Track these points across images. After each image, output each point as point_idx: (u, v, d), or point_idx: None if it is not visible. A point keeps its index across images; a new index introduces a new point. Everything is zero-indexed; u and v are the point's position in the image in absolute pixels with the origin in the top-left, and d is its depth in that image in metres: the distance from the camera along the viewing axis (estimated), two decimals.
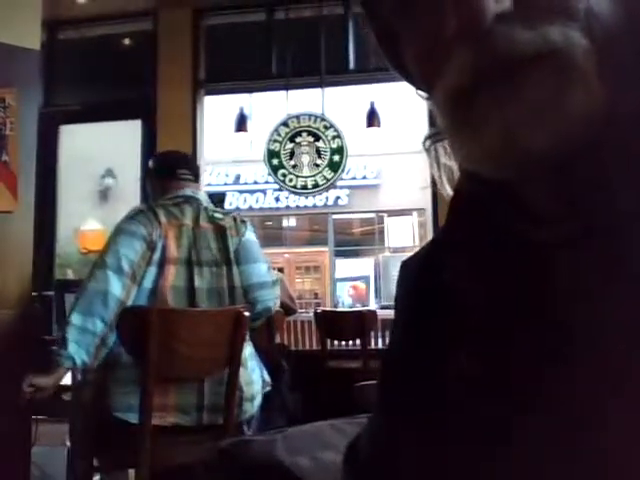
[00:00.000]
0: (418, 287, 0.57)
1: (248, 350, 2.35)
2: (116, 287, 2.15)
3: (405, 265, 0.62)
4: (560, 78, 0.40)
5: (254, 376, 2.36)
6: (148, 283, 2.21)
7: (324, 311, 5.16)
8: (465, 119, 0.43)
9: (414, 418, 0.53)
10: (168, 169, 2.48)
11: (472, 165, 0.47)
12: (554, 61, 0.40)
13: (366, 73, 5.56)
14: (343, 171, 5.72)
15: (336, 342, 5.08)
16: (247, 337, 2.36)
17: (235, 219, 2.44)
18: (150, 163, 2.65)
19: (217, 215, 2.39)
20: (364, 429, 0.62)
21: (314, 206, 12.38)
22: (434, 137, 0.58)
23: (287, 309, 4.96)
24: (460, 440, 0.48)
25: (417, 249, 0.63)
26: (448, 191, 0.59)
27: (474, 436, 0.47)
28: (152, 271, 2.21)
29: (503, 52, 0.41)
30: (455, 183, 0.58)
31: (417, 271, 0.58)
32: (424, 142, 0.59)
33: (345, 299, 12.70)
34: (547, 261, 0.46)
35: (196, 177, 2.52)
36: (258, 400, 2.35)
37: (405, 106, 7.44)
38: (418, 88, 0.55)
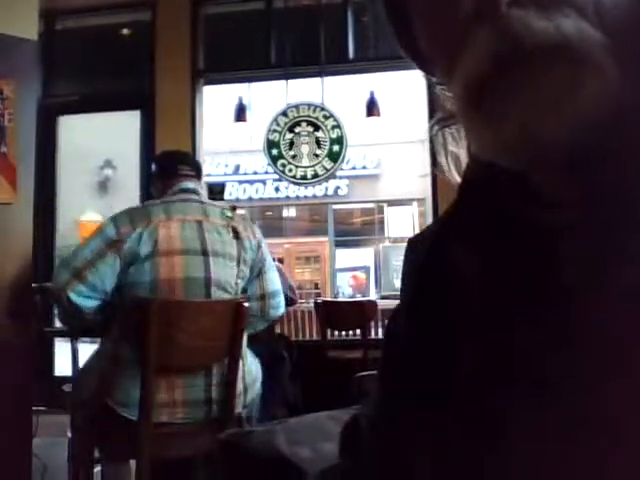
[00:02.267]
0: (423, 275, 0.57)
1: (244, 339, 2.37)
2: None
3: (412, 244, 0.61)
4: (575, 70, 0.40)
5: (252, 366, 2.39)
6: (141, 277, 2.18)
7: (324, 301, 5.17)
8: (483, 108, 0.43)
9: (416, 402, 0.53)
10: (169, 167, 2.50)
11: (489, 155, 0.47)
12: (569, 53, 0.40)
13: (366, 62, 5.54)
14: (343, 161, 5.71)
15: (336, 332, 5.09)
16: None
17: (245, 219, 2.49)
18: (152, 166, 2.67)
19: (228, 213, 2.41)
20: (364, 409, 0.62)
21: (314, 196, 12.37)
22: (441, 123, 0.58)
23: (287, 299, 4.97)
24: (461, 428, 0.48)
25: (423, 228, 0.63)
26: (456, 178, 0.58)
27: (476, 424, 0.47)
28: (136, 268, 2.18)
29: (519, 40, 0.41)
30: (463, 170, 0.58)
31: (424, 255, 0.58)
32: (431, 128, 0.59)
33: (345, 289, 12.72)
34: (553, 247, 0.46)
35: (198, 173, 2.53)
36: (258, 385, 2.39)
37: (405, 95, 7.43)
38: (428, 72, 0.54)
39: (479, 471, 0.46)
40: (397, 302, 0.60)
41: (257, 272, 2.41)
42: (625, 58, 0.41)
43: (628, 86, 0.41)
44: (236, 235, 2.34)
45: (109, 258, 2.17)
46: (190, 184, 2.42)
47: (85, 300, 2.18)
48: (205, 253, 2.24)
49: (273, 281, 2.46)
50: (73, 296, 2.16)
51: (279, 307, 2.50)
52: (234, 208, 2.51)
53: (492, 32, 0.42)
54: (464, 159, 0.58)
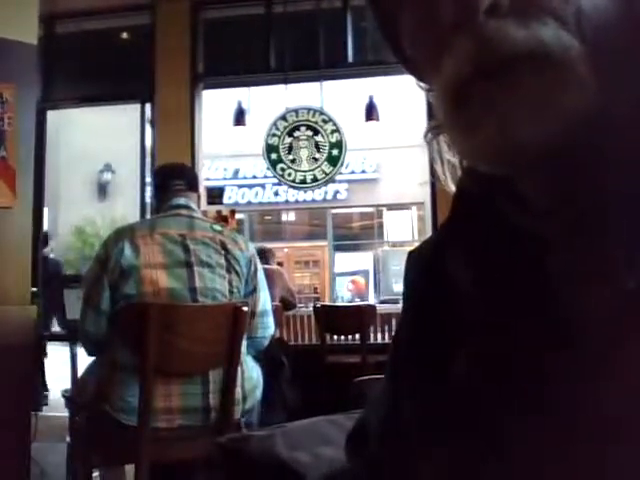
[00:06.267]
0: (422, 288, 0.58)
1: (244, 345, 2.37)
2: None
3: (412, 256, 0.62)
4: (552, 78, 0.40)
5: (253, 372, 2.38)
6: (128, 290, 2.22)
7: (323, 306, 5.17)
8: (461, 114, 0.44)
9: (417, 409, 0.54)
10: (162, 183, 2.56)
11: (468, 159, 0.48)
12: (546, 60, 0.40)
13: (365, 67, 5.54)
14: (342, 165, 5.72)
15: (335, 337, 5.09)
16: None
17: (238, 234, 2.56)
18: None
19: (217, 227, 2.45)
20: (369, 412, 0.62)
21: (313, 200, 12.39)
22: (435, 130, 0.58)
23: (286, 304, 4.98)
24: (461, 434, 0.48)
25: (419, 242, 0.64)
26: (452, 187, 0.59)
27: (475, 429, 0.47)
28: (122, 282, 2.23)
29: (496, 48, 0.41)
30: (457, 179, 0.58)
31: (422, 268, 0.59)
32: (426, 135, 0.59)
33: (344, 293, 12.72)
34: (544, 252, 0.46)
35: (191, 186, 2.56)
36: (258, 392, 2.38)
37: (404, 100, 7.44)
38: (419, 79, 0.55)
39: (480, 475, 0.47)
40: (396, 306, 0.61)
41: (251, 289, 2.42)
42: (602, 65, 0.41)
43: (605, 93, 0.41)
44: (223, 246, 2.35)
45: (104, 279, 2.25)
46: (181, 200, 2.45)
47: (97, 327, 2.28)
48: (189, 264, 2.26)
49: (264, 302, 2.49)
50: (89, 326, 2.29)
51: (267, 327, 2.51)
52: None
53: (470, 40, 0.42)
54: (459, 167, 0.58)
